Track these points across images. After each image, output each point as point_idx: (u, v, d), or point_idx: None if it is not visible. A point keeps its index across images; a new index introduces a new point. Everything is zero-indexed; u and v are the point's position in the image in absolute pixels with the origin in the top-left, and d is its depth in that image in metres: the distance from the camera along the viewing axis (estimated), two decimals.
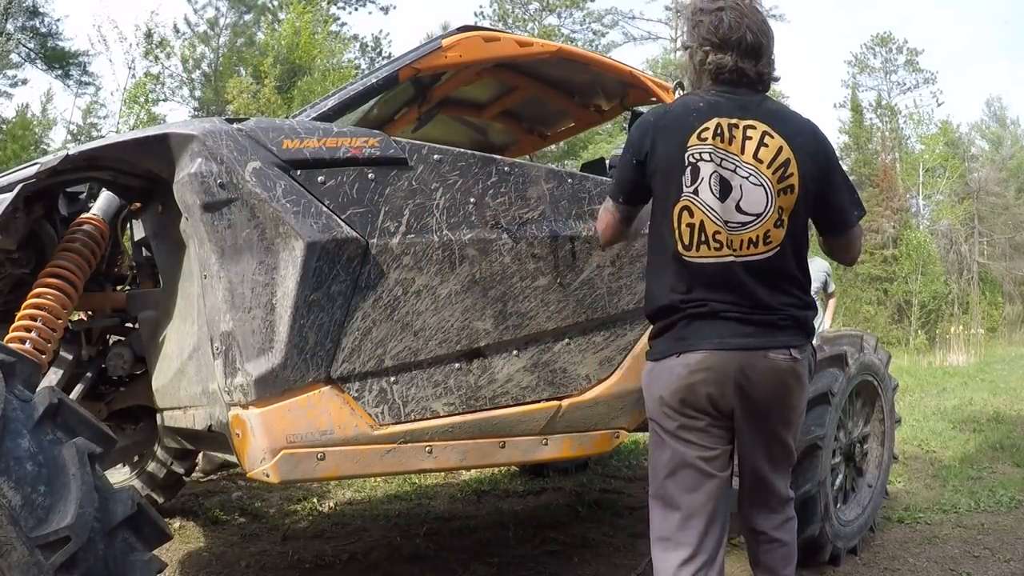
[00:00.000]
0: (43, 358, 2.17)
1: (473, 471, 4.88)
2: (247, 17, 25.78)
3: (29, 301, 2.19)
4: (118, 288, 2.75)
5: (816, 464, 2.95)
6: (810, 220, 2.00)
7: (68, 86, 25.30)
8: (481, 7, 29.23)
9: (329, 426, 2.11)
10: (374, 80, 2.46)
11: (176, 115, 23.95)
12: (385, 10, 27.93)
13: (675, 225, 1.88)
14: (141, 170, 2.28)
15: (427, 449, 2.28)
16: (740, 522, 2.14)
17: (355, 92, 2.43)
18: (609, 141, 21.87)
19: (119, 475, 3.63)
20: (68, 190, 2.51)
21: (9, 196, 2.01)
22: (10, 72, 24.34)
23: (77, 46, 24.93)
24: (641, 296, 2.62)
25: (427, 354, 2.26)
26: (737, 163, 1.86)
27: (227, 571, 3.12)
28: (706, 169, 1.86)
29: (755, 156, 1.86)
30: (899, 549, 3.48)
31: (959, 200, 31.45)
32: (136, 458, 3.61)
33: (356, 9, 27.41)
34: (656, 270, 1.99)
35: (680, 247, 1.89)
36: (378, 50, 26.56)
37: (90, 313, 2.69)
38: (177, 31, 24.49)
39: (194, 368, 2.23)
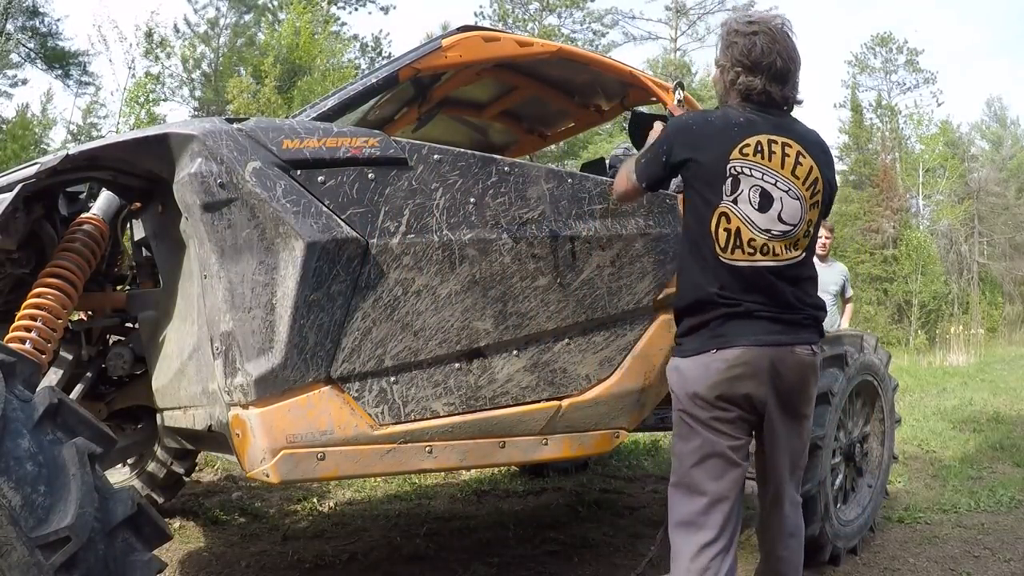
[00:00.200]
0: (43, 358, 2.17)
1: (473, 471, 4.88)
2: (247, 17, 25.80)
3: (29, 301, 2.19)
4: (118, 288, 2.75)
5: (816, 464, 2.95)
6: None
7: (68, 86, 25.33)
8: (481, 7, 29.25)
9: (329, 426, 2.11)
10: (374, 80, 2.46)
11: (176, 115, 23.99)
12: (385, 10, 27.93)
13: (712, 228, 2.04)
14: (141, 170, 2.28)
15: (427, 449, 2.28)
16: (757, 523, 2.29)
17: (355, 92, 2.43)
18: (609, 141, 21.88)
19: (119, 475, 3.63)
20: (68, 190, 2.51)
21: (9, 196, 2.01)
22: (10, 72, 24.38)
23: (77, 46, 24.93)
24: (641, 296, 2.63)
25: (427, 354, 2.26)
26: (777, 178, 2.03)
27: (227, 571, 3.12)
28: (747, 183, 2.02)
29: (793, 172, 2.05)
30: (899, 549, 3.48)
31: (959, 200, 31.43)
32: (136, 458, 3.61)
33: (356, 9, 27.41)
34: (692, 267, 2.11)
35: (717, 248, 2.04)
36: (378, 50, 26.57)
37: (90, 313, 2.69)
38: (177, 31, 24.54)
39: (194, 368, 2.23)
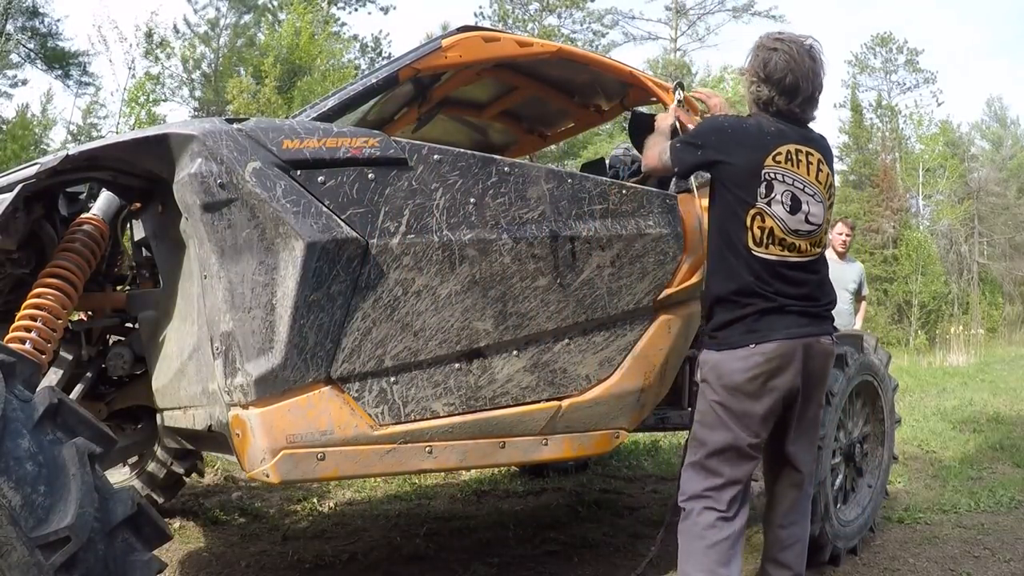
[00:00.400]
0: (43, 358, 2.17)
1: (473, 471, 4.88)
2: (247, 17, 25.80)
3: (29, 301, 2.19)
4: (118, 288, 2.74)
5: (816, 464, 2.94)
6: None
7: (68, 86, 25.33)
8: (481, 7, 29.25)
9: (329, 426, 2.11)
10: (374, 80, 2.46)
11: (176, 115, 23.97)
12: (385, 10, 27.93)
13: (748, 225, 2.27)
14: (141, 170, 2.28)
15: (427, 449, 2.28)
16: (764, 515, 2.56)
17: (355, 92, 2.43)
18: (609, 141, 21.87)
19: (119, 475, 3.63)
20: (68, 190, 2.51)
21: (9, 196, 2.01)
22: (10, 72, 24.38)
23: (77, 46, 24.93)
24: (641, 296, 2.63)
25: (427, 354, 2.26)
26: (805, 183, 2.29)
27: (227, 571, 3.12)
28: (779, 187, 2.26)
29: (816, 178, 2.31)
30: (899, 549, 3.48)
31: (959, 200, 31.41)
32: (136, 458, 3.60)
33: (356, 9, 27.43)
34: (727, 260, 2.32)
35: (751, 243, 2.27)
36: (378, 50, 26.58)
37: (90, 313, 2.69)
38: (177, 31, 24.54)
39: (194, 368, 2.23)
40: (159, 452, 3.57)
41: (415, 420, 2.25)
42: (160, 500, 3.67)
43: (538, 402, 2.47)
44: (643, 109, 3.41)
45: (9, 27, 22.83)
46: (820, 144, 2.37)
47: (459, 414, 2.32)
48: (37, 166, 2.09)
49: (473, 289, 2.31)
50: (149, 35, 21.68)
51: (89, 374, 2.59)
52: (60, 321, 2.22)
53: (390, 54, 25.95)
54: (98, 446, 1.62)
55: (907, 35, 61.03)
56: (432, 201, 2.25)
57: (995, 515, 4.05)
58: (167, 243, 2.39)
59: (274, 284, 2.05)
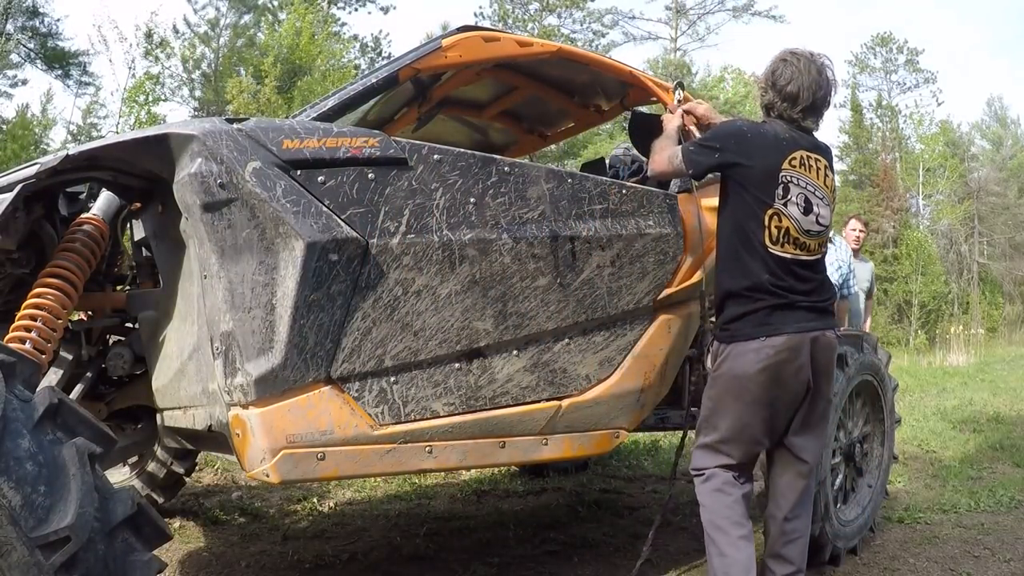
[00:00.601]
0: (43, 358, 2.17)
1: (473, 471, 4.88)
2: (247, 17, 25.78)
3: (29, 301, 2.19)
4: (118, 288, 2.74)
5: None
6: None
7: (68, 86, 25.30)
8: (481, 7, 29.22)
9: (329, 426, 2.12)
10: (374, 80, 2.46)
11: (176, 115, 23.94)
12: (385, 10, 27.91)
13: (765, 224, 2.39)
14: (141, 170, 2.28)
15: (427, 449, 2.28)
16: (767, 508, 2.62)
17: (355, 92, 2.43)
18: (609, 141, 21.86)
19: (119, 475, 3.63)
20: (68, 190, 2.51)
21: (9, 196, 2.01)
22: (10, 72, 24.35)
23: (77, 46, 24.87)
24: (641, 296, 2.63)
25: (427, 354, 2.26)
26: (815, 187, 2.44)
27: (227, 571, 3.12)
28: (794, 190, 2.40)
29: (824, 183, 2.47)
30: (899, 549, 3.48)
31: (959, 200, 31.39)
32: (136, 458, 3.60)
33: (356, 9, 27.41)
34: (742, 256, 2.42)
35: (768, 241, 2.39)
36: (378, 50, 26.56)
37: (90, 313, 2.69)
38: (177, 31, 24.51)
39: (194, 368, 2.23)
40: (159, 452, 3.56)
41: (415, 420, 2.25)
42: (160, 500, 3.67)
43: (538, 402, 2.47)
44: (643, 109, 3.41)
45: (9, 27, 22.83)
46: (825, 151, 2.54)
47: (459, 414, 2.32)
48: (37, 166, 2.09)
49: (473, 289, 2.31)
50: (149, 35, 21.67)
51: (89, 374, 2.59)
52: (60, 321, 2.23)
53: (390, 54, 25.96)
54: (98, 446, 1.62)
55: (907, 35, 60.96)
56: (432, 201, 2.25)
57: (995, 515, 4.05)
58: (167, 243, 2.39)
59: (274, 284, 2.05)
